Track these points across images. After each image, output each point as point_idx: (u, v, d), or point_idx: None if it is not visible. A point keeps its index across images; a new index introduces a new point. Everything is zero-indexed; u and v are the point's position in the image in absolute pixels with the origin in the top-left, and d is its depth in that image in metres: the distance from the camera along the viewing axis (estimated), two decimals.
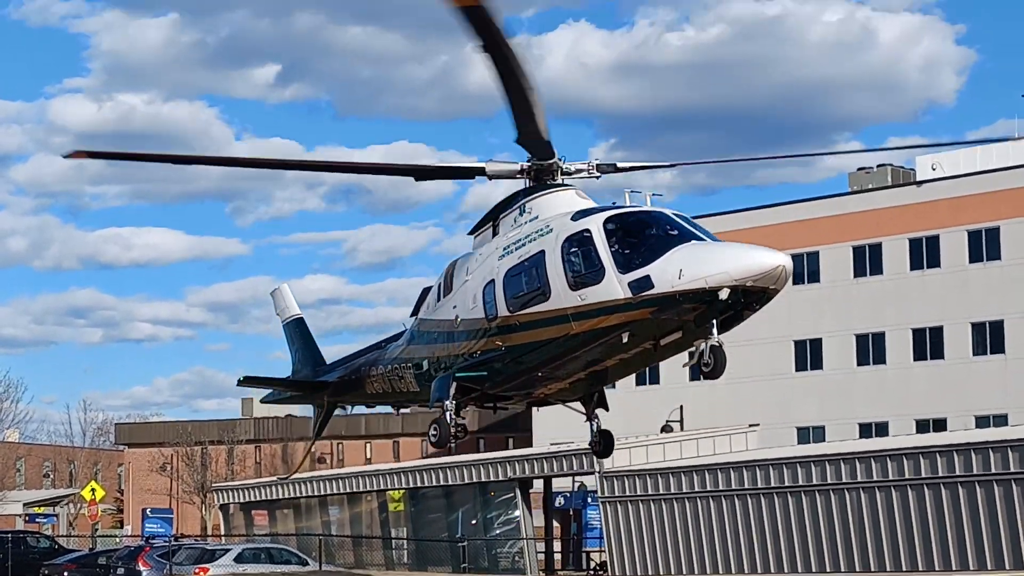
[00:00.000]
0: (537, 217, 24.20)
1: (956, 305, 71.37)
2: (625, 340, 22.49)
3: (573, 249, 22.84)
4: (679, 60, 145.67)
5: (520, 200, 24.86)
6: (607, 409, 27.08)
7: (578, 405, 27.05)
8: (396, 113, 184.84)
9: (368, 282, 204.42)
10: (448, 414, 25.48)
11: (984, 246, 70.94)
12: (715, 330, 21.17)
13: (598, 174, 24.90)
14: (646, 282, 20.90)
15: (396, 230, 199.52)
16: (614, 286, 21.69)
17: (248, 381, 33.98)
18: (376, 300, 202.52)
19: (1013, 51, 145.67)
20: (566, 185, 24.60)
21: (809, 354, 76.93)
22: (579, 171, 24.58)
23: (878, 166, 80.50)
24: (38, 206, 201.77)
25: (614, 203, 24.00)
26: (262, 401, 37.33)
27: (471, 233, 26.86)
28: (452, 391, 25.56)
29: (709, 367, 20.87)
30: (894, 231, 73.70)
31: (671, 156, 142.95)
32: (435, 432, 26.12)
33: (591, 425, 27.04)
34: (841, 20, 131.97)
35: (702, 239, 22.10)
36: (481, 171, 25.07)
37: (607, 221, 22.74)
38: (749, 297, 20.81)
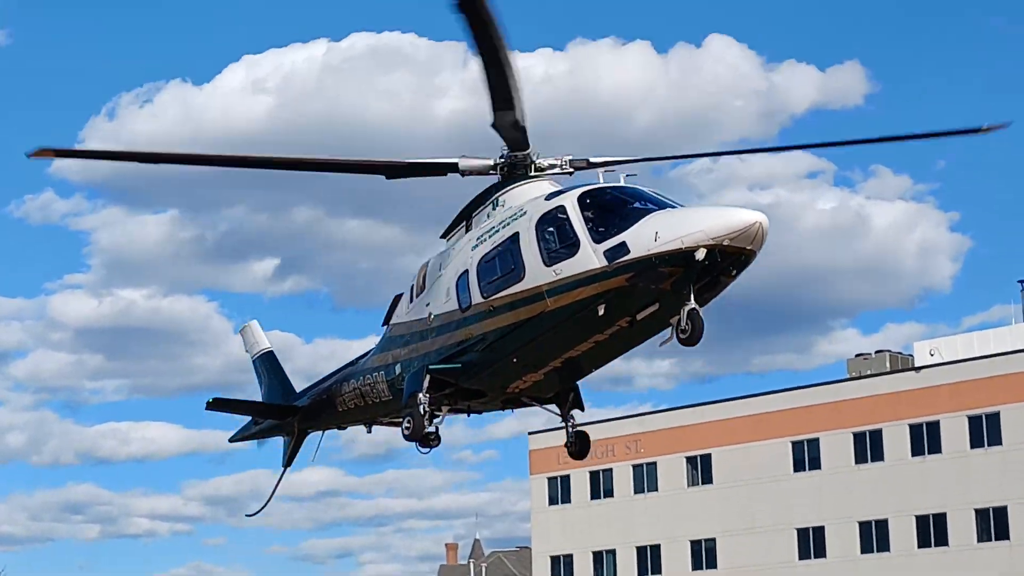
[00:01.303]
0: (511, 207, 23.52)
1: (959, 491, 70.82)
2: (601, 313, 21.81)
3: (548, 227, 22.54)
4: None
5: (493, 195, 24.30)
6: (583, 409, 26.37)
7: (554, 407, 26.37)
8: None
9: (367, 473, 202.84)
10: (422, 406, 24.81)
11: (985, 431, 70.70)
12: (692, 295, 20.55)
13: (571, 170, 24.21)
14: (621, 248, 20.97)
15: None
16: (589, 256, 21.56)
17: (217, 403, 32.29)
18: (375, 492, 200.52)
19: (1007, 237, 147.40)
20: (540, 178, 24.06)
21: (812, 542, 76.01)
22: (552, 167, 23.97)
23: (876, 352, 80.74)
24: (37, 401, 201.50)
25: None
26: (231, 440, 35.36)
27: (443, 236, 26.02)
28: (425, 384, 24.84)
29: (686, 333, 20.83)
30: (894, 417, 73.52)
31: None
32: (408, 424, 25.39)
33: (567, 426, 26.44)
34: (835, 208, 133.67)
35: (677, 208, 21.66)
36: (454, 167, 24.57)
37: (582, 196, 22.38)
38: (726, 259, 20.58)
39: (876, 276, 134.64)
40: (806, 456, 76.05)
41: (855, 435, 75.03)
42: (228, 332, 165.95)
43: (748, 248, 20.69)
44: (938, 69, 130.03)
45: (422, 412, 24.76)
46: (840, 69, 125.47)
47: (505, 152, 24.14)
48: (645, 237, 21.15)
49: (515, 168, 24.20)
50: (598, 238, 21.69)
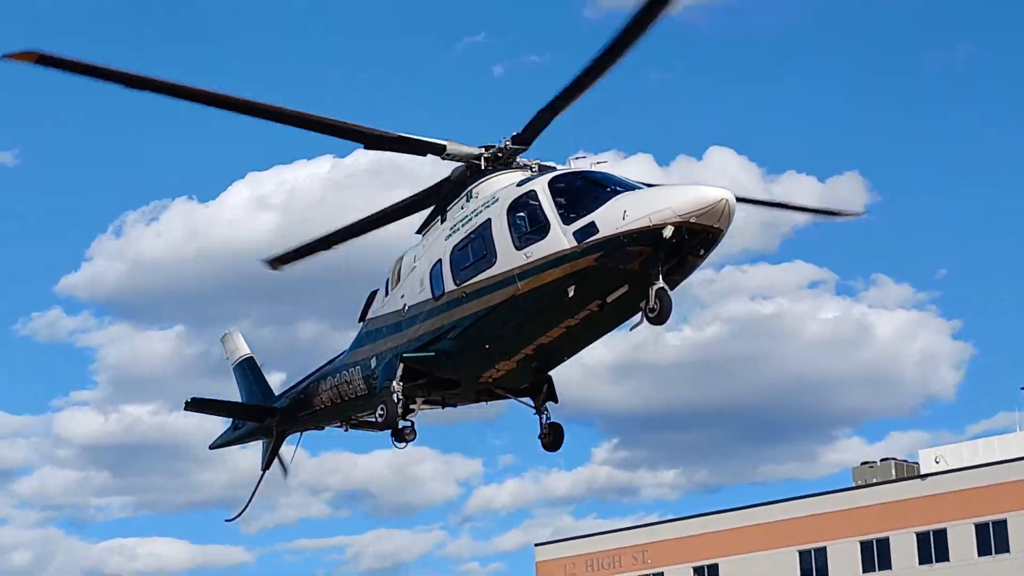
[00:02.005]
0: (484, 196, 23.51)
1: None
2: (571, 295, 21.78)
3: (519, 212, 22.67)
4: (678, 359, 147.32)
5: (467, 187, 24.29)
6: (556, 401, 26.17)
7: (528, 400, 26.22)
8: None
9: None
10: (395, 395, 24.83)
11: (992, 539, 70.55)
12: (660, 276, 20.54)
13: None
14: (591, 228, 21.05)
15: (401, 534, 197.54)
16: (559, 238, 21.67)
17: (195, 403, 31.79)
18: None
19: (1009, 345, 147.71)
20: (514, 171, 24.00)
21: None
22: (527, 167, 23.94)
23: (882, 460, 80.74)
24: (43, 519, 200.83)
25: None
26: (211, 447, 35.27)
27: (419, 231, 25.94)
28: (399, 373, 24.88)
29: (655, 312, 20.89)
30: (901, 525, 73.40)
31: (674, 454, 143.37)
32: (381, 412, 25.46)
33: (540, 419, 26.22)
34: (837, 317, 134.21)
35: (646, 189, 21.71)
36: (441, 148, 24.37)
37: (552, 180, 22.57)
38: (693, 237, 20.52)
39: (880, 385, 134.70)
40: (813, 566, 75.77)
41: (862, 544, 74.83)
42: (233, 448, 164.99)
43: (715, 226, 20.64)
44: (937, 178, 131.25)
45: (395, 400, 24.80)
46: (840, 180, 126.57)
47: (497, 144, 24.22)
48: (613, 216, 21.11)
49: (497, 162, 24.25)
50: (567, 220, 21.70)
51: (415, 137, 24.61)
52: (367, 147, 24.77)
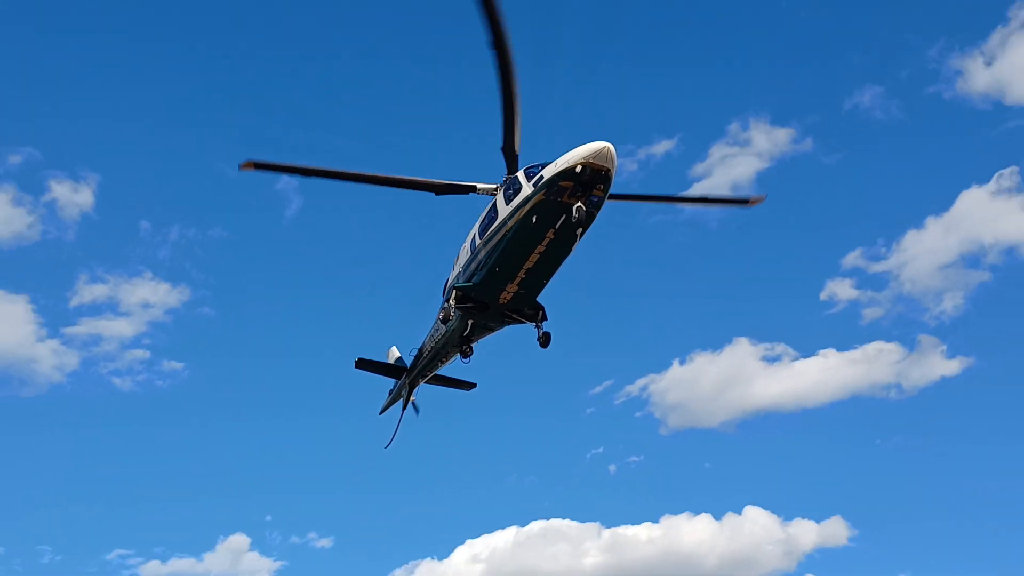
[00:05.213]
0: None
1: None
2: (535, 222, 36.47)
3: (509, 189, 37.64)
4: None
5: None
6: (547, 319, 40.23)
7: (532, 324, 40.60)
8: None
9: None
10: (451, 308, 39.76)
11: None
12: (580, 199, 34.73)
13: None
14: (540, 178, 37.21)
15: None
16: (527, 188, 36.93)
17: (361, 363, 50.10)
18: None
19: None
20: None
21: None
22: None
23: None
24: None
25: None
26: (379, 414, 54.17)
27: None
28: (453, 296, 39.44)
29: (580, 213, 35.23)
30: None
31: None
32: (442, 317, 40.78)
33: (538, 330, 40.67)
34: None
35: None
36: (473, 188, 39.56)
37: (526, 168, 37.79)
38: (594, 174, 35.12)
39: None
40: None
41: None
42: None
43: (605, 165, 34.74)
44: (909, 518, 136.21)
45: (452, 312, 39.70)
46: (829, 522, 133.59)
47: (504, 178, 38.19)
48: (550, 168, 35.98)
49: (503, 186, 38.57)
50: (529, 179, 36.79)
51: (462, 184, 39.06)
52: (436, 195, 39.80)
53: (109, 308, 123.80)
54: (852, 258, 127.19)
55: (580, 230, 36.30)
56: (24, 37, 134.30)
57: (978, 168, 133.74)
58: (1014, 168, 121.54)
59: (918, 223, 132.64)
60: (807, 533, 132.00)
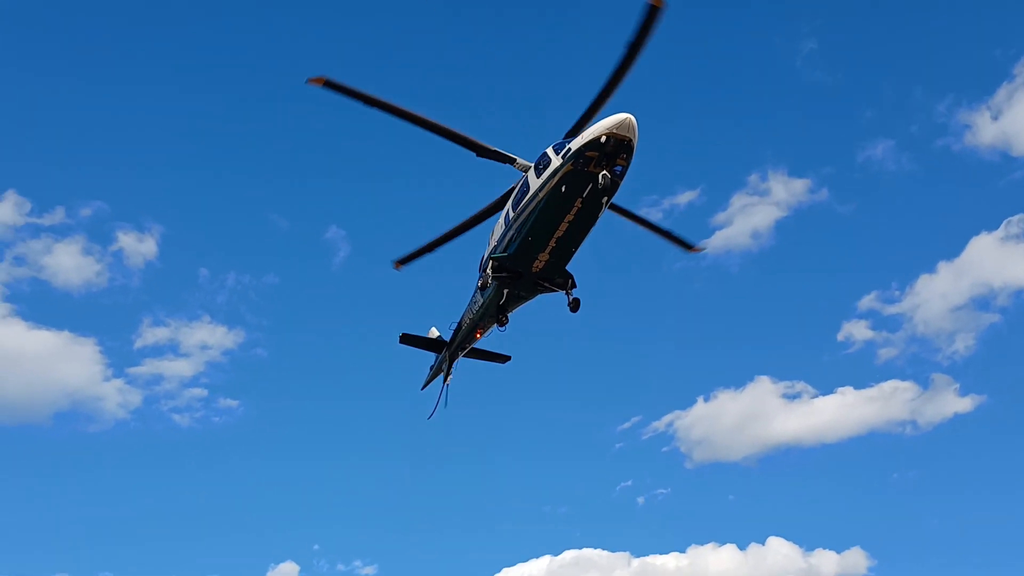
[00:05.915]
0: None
1: None
2: (564, 191, 38.39)
3: (539, 164, 40.20)
4: None
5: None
6: (576, 287, 42.29)
7: (562, 293, 42.38)
8: None
9: None
10: (489, 278, 41.51)
11: None
12: (606, 168, 36.53)
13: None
14: (568, 150, 39.58)
15: None
16: (555, 160, 39.48)
17: (405, 338, 51.46)
18: None
19: None
20: None
21: None
22: None
23: None
24: None
25: None
26: (421, 389, 55.48)
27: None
28: (491, 265, 41.45)
29: (606, 179, 37.04)
30: None
31: None
32: (481, 285, 42.10)
33: (568, 297, 42.78)
34: None
35: None
36: (513, 160, 41.66)
37: (555, 144, 39.27)
38: (618, 144, 37.11)
39: None
40: None
41: None
42: None
43: (627, 135, 36.50)
44: (925, 548, 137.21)
45: (489, 281, 41.38)
46: (849, 552, 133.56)
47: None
48: (576, 140, 37.52)
49: (536, 163, 40.88)
50: (558, 152, 38.64)
51: (505, 152, 41.02)
52: (477, 155, 41.67)
53: (170, 349, 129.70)
54: (867, 301, 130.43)
55: (606, 198, 37.87)
56: (93, 94, 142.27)
57: (987, 216, 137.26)
58: (1022, 215, 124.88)
59: (930, 268, 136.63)
60: (828, 563, 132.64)
